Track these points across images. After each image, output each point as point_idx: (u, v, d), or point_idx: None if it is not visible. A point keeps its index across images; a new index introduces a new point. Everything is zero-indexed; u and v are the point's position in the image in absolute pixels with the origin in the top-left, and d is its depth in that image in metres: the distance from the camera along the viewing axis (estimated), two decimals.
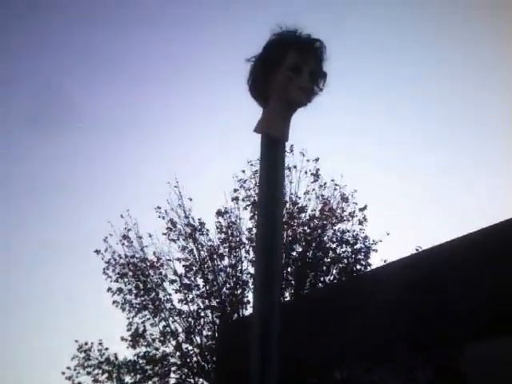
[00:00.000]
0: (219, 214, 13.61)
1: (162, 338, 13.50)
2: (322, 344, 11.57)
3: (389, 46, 20.32)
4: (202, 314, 13.49)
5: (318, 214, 13.61)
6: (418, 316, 11.09)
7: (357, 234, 13.74)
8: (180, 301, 13.50)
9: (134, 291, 13.69)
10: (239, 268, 13.55)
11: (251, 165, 13.63)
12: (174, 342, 13.48)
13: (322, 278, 13.52)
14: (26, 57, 19.31)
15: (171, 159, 19.48)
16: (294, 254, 13.37)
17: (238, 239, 13.59)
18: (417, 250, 12.85)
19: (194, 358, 13.40)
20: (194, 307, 13.47)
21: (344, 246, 13.66)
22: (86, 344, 14.12)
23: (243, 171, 13.68)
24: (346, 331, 11.77)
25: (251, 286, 13.32)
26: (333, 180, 13.73)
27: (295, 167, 13.71)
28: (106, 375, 13.74)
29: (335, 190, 13.73)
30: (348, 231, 13.72)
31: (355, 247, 13.64)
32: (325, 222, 13.62)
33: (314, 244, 13.49)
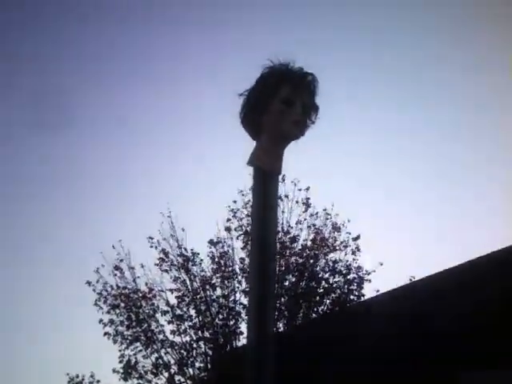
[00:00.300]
0: (212, 243, 13.60)
1: (154, 370, 13.37)
2: (315, 375, 11.49)
3: (381, 72, 20.49)
4: (195, 346, 13.39)
5: (310, 243, 13.61)
6: (411, 347, 11.05)
7: (350, 264, 13.74)
8: (172, 332, 13.42)
9: (126, 322, 13.59)
10: (232, 298, 13.50)
11: (242, 195, 13.68)
12: (166, 374, 13.35)
13: (315, 309, 13.48)
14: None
15: (164, 189, 19.50)
16: (287, 284, 13.34)
17: (230, 269, 13.56)
18: (410, 280, 12.85)
19: None
20: (186, 338, 13.39)
21: (337, 276, 13.64)
22: (78, 377, 13.99)
23: (235, 202, 13.71)
24: (338, 362, 11.69)
25: (244, 317, 13.26)
26: (325, 209, 13.78)
27: (287, 197, 13.75)
28: None
29: (327, 219, 13.77)
30: (341, 261, 13.72)
31: (348, 277, 13.63)
32: (317, 252, 13.62)
33: (306, 274, 13.47)
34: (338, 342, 11.52)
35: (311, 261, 13.51)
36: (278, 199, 13.79)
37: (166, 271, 13.57)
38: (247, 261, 13.48)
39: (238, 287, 13.47)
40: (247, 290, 13.14)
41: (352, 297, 13.62)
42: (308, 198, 13.67)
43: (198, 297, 13.47)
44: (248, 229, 13.49)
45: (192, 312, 13.46)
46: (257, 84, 2.44)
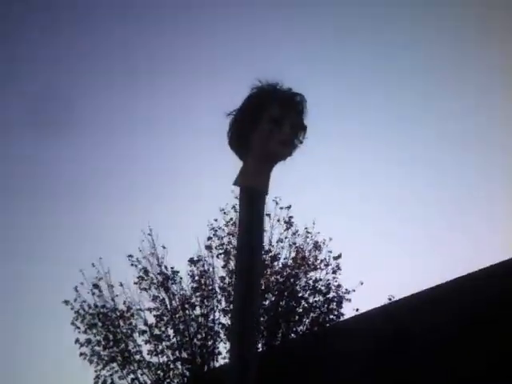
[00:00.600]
0: (192, 262, 13.51)
1: None
2: None
3: (366, 92, 20.62)
4: (172, 366, 13.23)
5: (291, 262, 13.57)
6: (391, 367, 11.00)
7: (329, 283, 13.71)
8: (150, 352, 13.25)
9: (103, 342, 13.40)
10: (211, 318, 13.39)
11: (224, 213, 13.64)
12: None
13: (294, 329, 13.40)
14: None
15: (146, 206, 19.36)
16: (267, 303, 13.26)
17: (210, 288, 13.46)
18: (389, 299, 12.85)
19: None
20: (163, 359, 13.23)
21: (317, 295, 13.60)
22: None
23: (216, 220, 13.67)
24: (318, 382, 11.61)
25: (223, 337, 13.15)
26: (306, 228, 13.76)
27: (269, 215, 13.72)
28: None
29: (307, 237, 13.75)
30: (321, 280, 13.68)
31: (328, 296, 13.59)
32: (298, 271, 13.58)
33: (286, 293, 13.41)
34: (317, 361, 11.45)
35: (291, 280, 13.46)
36: (266, 217, 13.74)
37: (145, 290, 13.44)
38: (227, 280, 13.40)
39: (218, 306, 13.39)
40: (227, 309, 13.04)
41: (331, 316, 13.57)
42: (290, 217, 13.66)
43: (177, 316, 13.34)
44: (229, 247, 13.45)
45: (170, 332, 13.33)
46: (245, 104, 2.40)
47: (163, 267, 13.57)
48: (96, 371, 13.31)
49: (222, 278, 13.54)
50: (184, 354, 13.22)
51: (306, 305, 13.53)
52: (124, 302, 13.55)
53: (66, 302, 13.63)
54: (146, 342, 13.28)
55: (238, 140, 2.40)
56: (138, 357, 13.32)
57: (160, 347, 13.22)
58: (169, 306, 13.36)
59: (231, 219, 13.64)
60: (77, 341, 13.43)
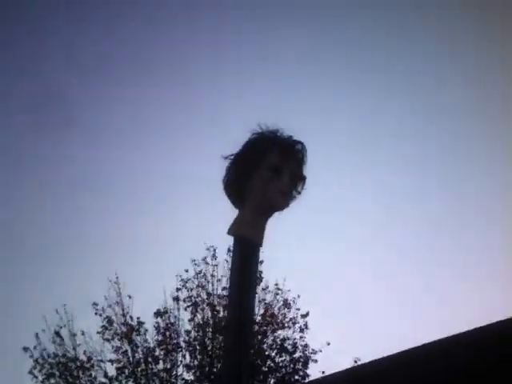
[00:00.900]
0: (158, 314, 13.21)
1: None
2: None
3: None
4: None
5: (259, 319, 13.35)
6: None
7: (296, 343, 13.51)
8: None
9: None
10: (174, 373, 13.01)
11: (195, 264, 13.47)
12: None
13: None
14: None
15: (114, 254, 18.95)
16: None
17: (175, 342, 13.14)
18: (355, 361, 12.64)
19: None
20: None
21: (283, 354, 13.36)
22: None
23: (186, 271, 13.46)
24: None
25: None
26: (276, 284, 13.61)
27: None
28: None
29: (277, 294, 13.58)
30: (288, 339, 13.48)
31: (294, 356, 13.37)
32: (266, 328, 13.35)
33: (252, 351, 13.15)
34: None
35: (259, 337, 13.21)
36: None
37: (108, 340, 13.07)
38: (193, 334, 13.14)
39: (182, 361, 13.04)
40: (191, 364, 12.72)
41: (297, 377, 13.31)
42: (260, 272, 13.49)
43: (139, 369, 12.94)
44: (198, 300, 13.23)
45: None
46: (244, 149, 2.29)
47: (128, 317, 13.24)
48: None
49: (188, 332, 13.25)
50: None
51: (272, 364, 13.26)
52: (85, 352, 13.14)
53: (26, 349, 13.16)
54: None
55: (234, 186, 2.28)
56: None
57: None
58: (131, 359, 12.97)
59: (201, 271, 13.48)
60: None
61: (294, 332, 13.55)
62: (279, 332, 13.45)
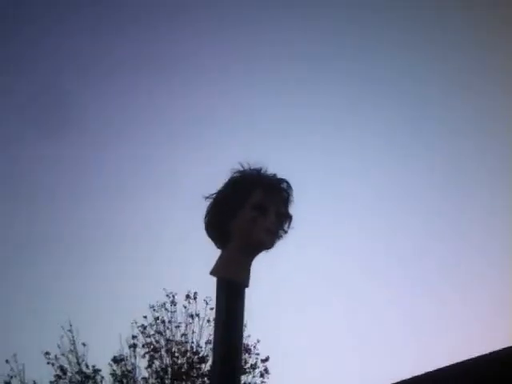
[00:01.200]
0: (115, 361, 12.83)
1: None
2: None
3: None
4: None
5: None
6: None
7: None
8: None
9: None
10: None
11: (154, 310, 13.20)
12: None
13: None
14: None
15: (66, 301, 18.40)
16: None
17: None
18: None
19: None
20: None
21: None
22: None
23: (145, 317, 13.17)
24: None
25: None
26: None
27: (198, 315, 13.35)
28: None
29: None
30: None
31: None
32: None
33: None
34: None
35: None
36: (189, 317, 13.34)
37: None
38: (151, 381, 12.79)
39: None
40: None
41: None
42: None
43: None
44: (156, 346, 12.93)
45: None
46: (225, 187, 2.22)
47: (83, 365, 12.81)
48: None
49: (146, 380, 12.90)
50: None
51: None
52: None
53: None
54: None
55: (216, 226, 2.20)
56: None
57: None
58: None
59: (159, 318, 13.23)
60: None
61: (253, 377, 13.35)
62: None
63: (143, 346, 13.01)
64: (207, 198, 2.24)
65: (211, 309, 13.29)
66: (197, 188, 2.35)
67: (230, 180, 2.23)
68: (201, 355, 13.03)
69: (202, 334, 13.23)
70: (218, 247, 2.21)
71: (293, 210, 2.23)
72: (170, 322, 13.22)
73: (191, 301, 13.40)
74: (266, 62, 19.26)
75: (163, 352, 12.95)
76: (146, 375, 12.99)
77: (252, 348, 13.38)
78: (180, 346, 13.07)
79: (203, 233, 2.24)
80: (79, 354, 12.96)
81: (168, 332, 13.16)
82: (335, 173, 20.66)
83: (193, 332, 13.17)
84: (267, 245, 2.15)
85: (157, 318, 13.20)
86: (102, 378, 12.81)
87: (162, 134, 20.45)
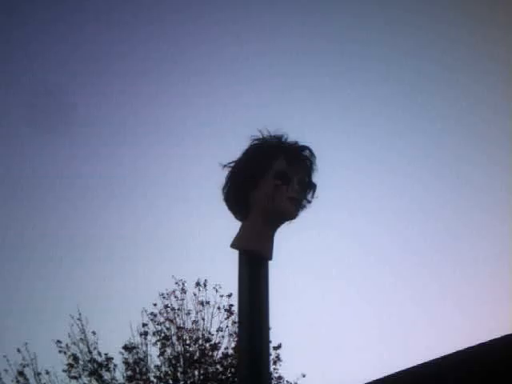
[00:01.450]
0: (126, 349, 12.78)
1: None
2: None
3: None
4: None
5: (231, 352, 12.99)
6: None
7: (270, 374, 13.17)
8: None
9: None
10: None
11: (163, 297, 13.12)
12: None
13: None
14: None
15: (75, 289, 18.36)
16: None
17: (145, 377, 12.69)
18: None
19: None
20: None
21: None
22: None
23: (155, 304, 13.09)
24: None
25: None
26: None
27: (208, 303, 13.26)
28: None
29: None
30: None
31: None
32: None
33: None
34: None
35: (232, 369, 12.85)
36: (199, 304, 13.26)
37: (76, 378, 12.56)
38: (164, 369, 12.75)
39: None
40: None
41: None
42: (231, 305, 13.17)
43: None
44: (166, 334, 12.86)
45: None
46: (245, 156, 2.09)
47: (96, 353, 12.77)
48: None
49: (158, 367, 12.84)
50: None
51: None
52: None
53: None
54: None
55: (236, 196, 2.07)
56: None
57: None
58: None
59: (168, 305, 13.16)
60: None
61: None
62: None
63: (154, 333, 12.94)
64: (225, 166, 2.11)
65: (221, 296, 13.22)
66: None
67: (249, 148, 2.10)
68: (213, 342, 12.94)
69: (213, 322, 13.17)
70: (238, 219, 2.09)
71: (316, 178, 2.12)
72: (179, 309, 13.15)
73: (201, 288, 13.32)
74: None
75: (174, 340, 12.89)
76: (159, 363, 12.93)
77: None
78: (191, 334, 13.00)
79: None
80: (90, 342, 12.93)
81: (178, 319, 13.09)
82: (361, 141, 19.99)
83: (203, 319, 13.08)
84: (291, 214, 2.03)
85: (166, 306, 13.12)
86: (115, 365, 12.77)
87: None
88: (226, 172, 2.11)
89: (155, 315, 13.07)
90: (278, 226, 2.03)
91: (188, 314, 13.12)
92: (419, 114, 19.99)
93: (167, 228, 18.18)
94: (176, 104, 19.53)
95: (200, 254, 16.70)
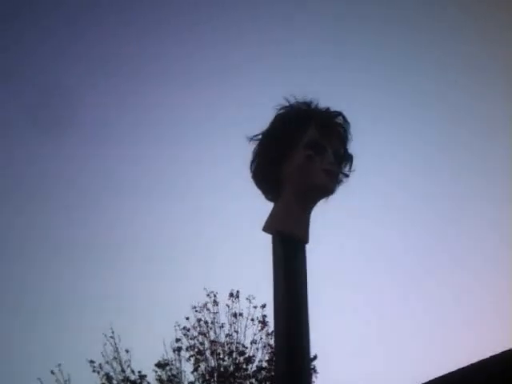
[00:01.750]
0: (159, 366, 12.56)
1: None
2: None
3: None
4: None
5: (266, 364, 12.69)
6: None
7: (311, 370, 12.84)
8: None
9: None
10: None
11: (196, 311, 12.89)
12: None
13: None
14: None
15: (107, 306, 18.18)
16: None
17: None
18: None
19: None
20: None
21: None
22: None
23: (187, 318, 12.86)
24: None
25: None
26: None
27: (241, 314, 12.99)
28: None
29: None
30: None
31: None
32: (273, 374, 12.72)
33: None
34: None
35: (267, 383, 12.55)
36: (232, 316, 12.99)
37: None
38: None
39: None
40: None
41: None
42: (265, 316, 12.88)
43: None
44: (200, 348, 12.62)
45: None
46: (273, 127, 1.85)
47: (129, 371, 12.56)
48: None
49: (192, 383, 12.62)
50: None
51: None
52: None
53: None
54: None
55: (264, 172, 1.83)
56: None
57: None
58: None
59: (201, 319, 12.92)
60: None
61: None
62: None
63: (187, 349, 12.70)
64: (251, 139, 1.87)
65: (254, 307, 12.95)
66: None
67: (276, 118, 1.85)
68: (247, 355, 12.66)
69: (247, 334, 12.89)
70: (269, 199, 1.84)
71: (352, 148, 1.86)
72: (212, 322, 12.91)
73: (234, 299, 13.06)
74: None
75: (208, 354, 12.64)
76: (192, 379, 12.69)
77: None
78: (225, 347, 12.74)
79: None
80: (123, 360, 12.73)
81: (212, 333, 12.85)
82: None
83: (236, 332, 12.81)
84: (328, 188, 1.77)
85: (199, 320, 12.87)
86: (149, 383, 12.54)
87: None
88: (252, 146, 1.87)
89: (188, 329, 12.86)
90: (314, 204, 1.78)
91: (221, 326, 12.89)
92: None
93: (196, 239, 18.02)
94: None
95: (232, 265, 16.44)
